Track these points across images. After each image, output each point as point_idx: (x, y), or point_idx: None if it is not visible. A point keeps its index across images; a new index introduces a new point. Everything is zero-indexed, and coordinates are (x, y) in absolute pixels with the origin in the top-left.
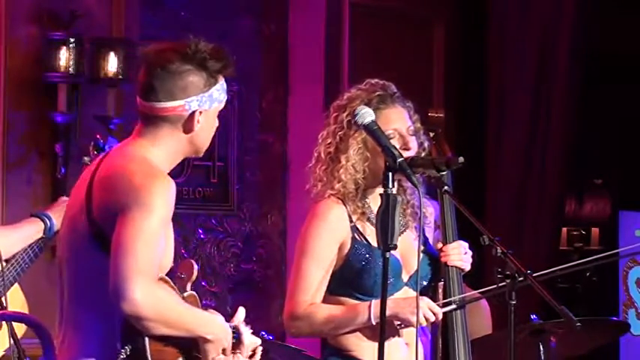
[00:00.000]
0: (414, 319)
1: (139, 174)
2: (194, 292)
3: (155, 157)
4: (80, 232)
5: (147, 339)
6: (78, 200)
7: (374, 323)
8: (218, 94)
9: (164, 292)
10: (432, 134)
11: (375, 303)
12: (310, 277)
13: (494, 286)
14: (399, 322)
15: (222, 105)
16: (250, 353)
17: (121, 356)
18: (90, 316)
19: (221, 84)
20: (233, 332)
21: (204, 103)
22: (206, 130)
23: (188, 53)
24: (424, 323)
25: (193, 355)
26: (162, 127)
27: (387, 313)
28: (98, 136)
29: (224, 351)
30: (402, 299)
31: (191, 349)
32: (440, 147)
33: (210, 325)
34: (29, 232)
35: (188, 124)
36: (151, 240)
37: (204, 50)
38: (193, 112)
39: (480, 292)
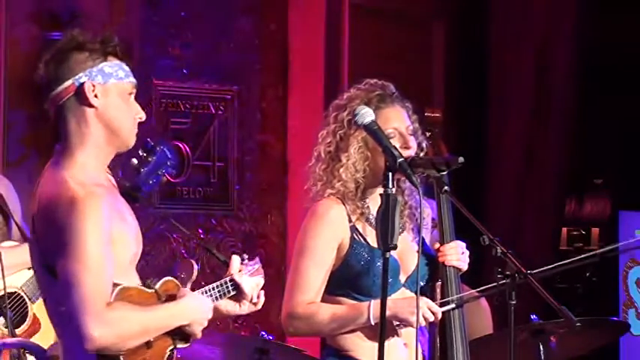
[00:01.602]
0: (413, 319)
1: (59, 209)
2: (168, 279)
3: (82, 166)
4: (36, 260)
5: (122, 358)
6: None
7: (373, 323)
8: (112, 69)
9: (120, 313)
10: (428, 134)
11: (375, 303)
12: (309, 277)
13: (493, 284)
14: (398, 323)
15: (127, 84)
16: (256, 299)
17: None
18: (67, 341)
19: (115, 62)
20: (231, 284)
21: (94, 76)
22: (115, 107)
23: (64, 43)
24: (423, 323)
25: (182, 336)
26: (68, 122)
27: (387, 313)
28: (148, 139)
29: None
30: (402, 299)
31: (177, 333)
32: (437, 147)
33: (181, 314)
34: (21, 259)
35: (85, 98)
36: (92, 269)
37: (82, 38)
38: (83, 85)
39: (478, 291)
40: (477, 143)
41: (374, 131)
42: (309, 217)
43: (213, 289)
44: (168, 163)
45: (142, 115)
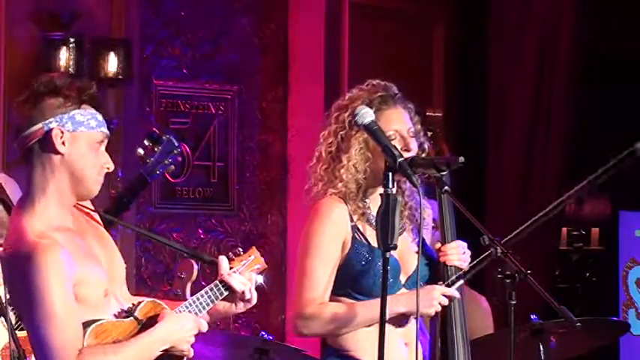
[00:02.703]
0: (431, 311)
1: (19, 262)
2: (148, 299)
3: (43, 214)
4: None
5: None
6: None
7: (387, 319)
8: (83, 118)
9: (89, 355)
10: (430, 134)
11: (388, 300)
12: (317, 275)
13: (487, 253)
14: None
15: (98, 134)
16: (249, 295)
17: None
18: None
19: (87, 111)
20: (222, 285)
21: (64, 123)
22: (82, 156)
23: (40, 86)
24: (438, 308)
25: (171, 357)
26: (34, 167)
27: (404, 309)
28: (155, 129)
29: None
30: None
31: (163, 356)
32: (438, 146)
33: (160, 341)
34: None
35: (51, 144)
36: (57, 324)
37: (58, 81)
38: (51, 131)
39: (475, 263)
40: (477, 143)
41: (374, 131)
42: (313, 215)
43: (206, 293)
44: (175, 152)
45: (110, 166)
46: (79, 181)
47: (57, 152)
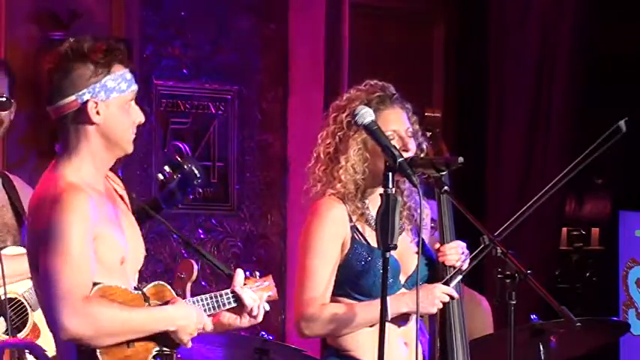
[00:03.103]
0: (432, 310)
1: (48, 199)
2: (159, 282)
3: (77, 169)
4: (29, 260)
5: (99, 353)
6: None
7: (390, 319)
8: (115, 83)
9: (98, 308)
10: (429, 134)
11: (390, 299)
12: (318, 275)
13: (482, 247)
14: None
15: (129, 94)
16: (256, 311)
17: None
18: (60, 345)
19: (118, 74)
20: (232, 296)
21: (97, 93)
22: (116, 121)
23: (69, 51)
24: (440, 306)
25: (168, 340)
26: (68, 131)
27: (405, 308)
28: (178, 157)
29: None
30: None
31: (163, 335)
32: (437, 147)
33: (166, 319)
34: (20, 267)
35: (86, 116)
36: (70, 265)
37: (86, 45)
38: (87, 103)
39: (472, 256)
40: (477, 143)
41: (373, 131)
42: (311, 216)
43: (213, 297)
44: (195, 182)
45: (142, 119)
46: (115, 143)
47: (92, 123)
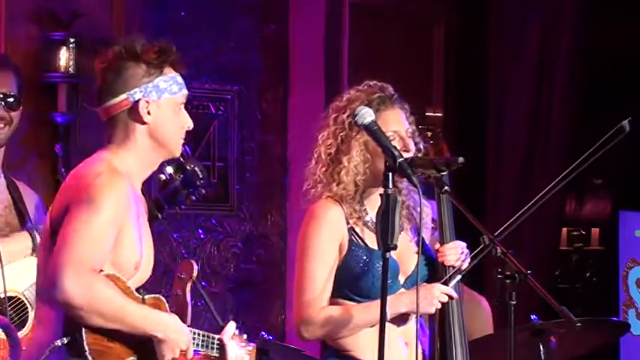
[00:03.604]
0: (431, 309)
1: (91, 174)
2: (159, 296)
3: (122, 160)
4: (44, 235)
5: (84, 332)
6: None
7: (389, 320)
8: (166, 84)
9: (101, 284)
10: (430, 134)
11: (389, 300)
12: (317, 278)
13: (481, 247)
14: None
15: (179, 97)
16: None
17: (56, 345)
18: (47, 310)
19: (170, 75)
20: (217, 343)
21: (149, 92)
22: (166, 122)
23: (122, 51)
24: (439, 306)
25: (148, 355)
26: (118, 128)
27: (405, 308)
28: (181, 158)
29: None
30: (414, 292)
31: (144, 348)
32: (438, 146)
33: (159, 324)
34: (15, 248)
35: (137, 115)
36: (92, 235)
37: (139, 45)
38: (138, 102)
39: (472, 256)
40: (477, 143)
41: (374, 131)
42: (308, 219)
43: (201, 335)
44: (199, 183)
45: (190, 125)
46: (163, 145)
47: (143, 122)
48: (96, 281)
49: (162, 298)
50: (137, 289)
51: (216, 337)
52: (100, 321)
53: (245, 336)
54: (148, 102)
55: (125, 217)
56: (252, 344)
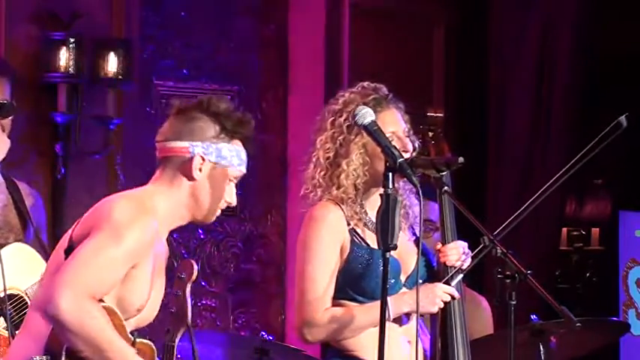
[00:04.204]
0: (433, 309)
1: (123, 206)
2: (150, 343)
3: (158, 203)
4: (59, 248)
5: (64, 354)
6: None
7: (392, 319)
8: (229, 153)
9: (96, 312)
10: (430, 134)
11: (391, 299)
12: (318, 280)
13: (480, 247)
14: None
15: (235, 172)
16: None
17: None
18: (37, 321)
19: (236, 148)
20: None
21: (209, 152)
22: (212, 187)
23: (204, 104)
24: (441, 306)
25: None
26: (167, 171)
27: (407, 308)
28: None
29: None
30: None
31: None
32: (439, 146)
33: None
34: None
35: (189, 169)
36: (102, 262)
37: (222, 107)
38: (195, 156)
39: (473, 255)
40: (477, 143)
41: (374, 131)
42: (308, 221)
43: None
44: None
45: (233, 202)
46: (199, 208)
47: (191, 177)
48: (91, 308)
49: (153, 346)
50: (132, 331)
51: None
52: (84, 347)
53: None
54: (203, 160)
55: (144, 256)
56: None
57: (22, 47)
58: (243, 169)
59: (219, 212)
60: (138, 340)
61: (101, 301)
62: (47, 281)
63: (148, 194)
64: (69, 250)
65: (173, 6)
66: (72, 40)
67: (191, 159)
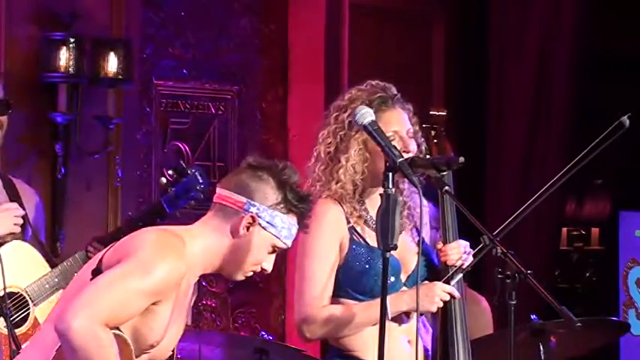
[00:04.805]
0: (432, 308)
1: (161, 242)
2: None
3: (195, 246)
4: (88, 267)
5: None
6: None
7: (390, 318)
8: (281, 224)
9: (106, 340)
10: (433, 133)
11: (390, 299)
12: (317, 279)
13: (480, 246)
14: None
15: (280, 244)
16: None
17: None
18: (47, 334)
19: (290, 221)
20: None
21: (263, 216)
22: (252, 249)
23: (275, 170)
24: (440, 305)
25: None
26: (216, 218)
27: (406, 307)
28: (182, 162)
29: None
30: (414, 290)
31: None
32: (441, 145)
33: None
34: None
35: (238, 223)
36: (123, 294)
37: (292, 179)
38: (246, 215)
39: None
40: (477, 143)
41: (373, 131)
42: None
43: None
44: (198, 188)
45: (269, 269)
46: (232, 263)
47: (236, 232)
48: (102, 335)
49: None
50: None
51: None
52: None
53: None
54: (254, 221)
55: (168, 294)
56: None
57: (22, 47)
58: (289, 244)
59: (250, 274)
60: None
61: (117, 329)
62: (67, 298)
63: (189, 235)
64: (96, 272)
65: (173, 6)
66: (72, 40)
67: (242, 215)
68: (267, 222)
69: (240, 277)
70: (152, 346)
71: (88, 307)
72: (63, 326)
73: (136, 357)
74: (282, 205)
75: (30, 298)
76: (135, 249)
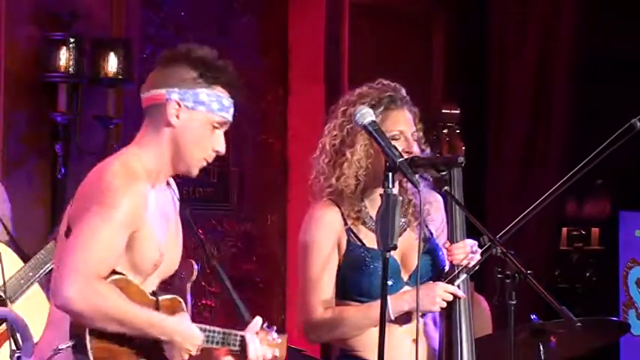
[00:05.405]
0: (434, 308)
1: (107, 175)
2: (175, 297)
3: (141, 158)
4: (62, 232)
5: (88, 336)
6: None
7: (392, 318)
8: (208, 98)
9: (104, 291)
10: (445, 131)
11: (391, 299)
12: (317, 281)
13: (487, 245)
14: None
15: (217, 117)
16: None
17: (60, 349)
18: (55, 311)
19: (217, 93)
20: (239, 339)
21: (186, 98)
22: (192, 134)
23: (183, 52)
24: (442, 305)
25: (158, 358)
26: (150, 122)
27: (407, 307)
28: None
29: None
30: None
31: (154, 351)
32: (453, 143)
33: (162, 327)
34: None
35: (166, 115)
36: (99, 241)
37: (201, 53)
38: (170, 101)
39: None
40: (477, 143)
41: (373, 131)
42: (307, 222)
43: (220, 333)
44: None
45: (222, 150)
46: (181, 157)
47: (169, 124)
48: (99, 288)
49: (179, 299)
50: (154, 292)
51: (239, 333)
52: (105, 325)
53: (274, 332)
54: (179, 106)
55: (140, 217)
56: (282, 336)
57: (22, 47)
58: (226, 115)
59: (204, 163)
60: (161, 298)
61: (114, 272)
62: (54, 270)
63: (135, 155)
64: (68, 232)
65: (173, 6)
66: (72, 40)
67: (167, 104)
68: (194, 101)
69: (195, 169)
70: (156, 266)
71: (74, 272)
72: (61, 302)
73: (148, 280)
74: (200, 80)
75: (6, 296)
76: (93, 196)
